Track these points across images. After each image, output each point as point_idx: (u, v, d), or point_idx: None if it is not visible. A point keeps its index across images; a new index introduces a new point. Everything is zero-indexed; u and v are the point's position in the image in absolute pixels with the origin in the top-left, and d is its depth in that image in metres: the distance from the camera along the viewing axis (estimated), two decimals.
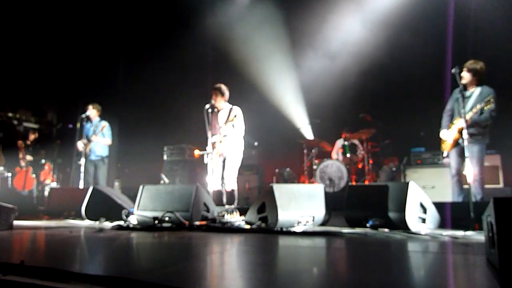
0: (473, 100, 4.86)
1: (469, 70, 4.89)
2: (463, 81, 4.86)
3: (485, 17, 7.37)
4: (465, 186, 5.00)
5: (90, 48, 10.07)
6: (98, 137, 7.17)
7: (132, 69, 10.25)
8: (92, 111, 7.35)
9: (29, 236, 3.80)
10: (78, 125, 7.14)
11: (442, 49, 6.99)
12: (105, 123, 7.23)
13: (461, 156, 4.95)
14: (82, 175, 6.92)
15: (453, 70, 4.29)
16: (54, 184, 9.12)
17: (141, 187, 4.62)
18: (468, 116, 4.63)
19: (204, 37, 10.18)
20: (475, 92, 4.91)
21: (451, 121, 5.14)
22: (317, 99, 9.16)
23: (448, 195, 5.51)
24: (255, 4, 9.65)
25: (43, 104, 11.46)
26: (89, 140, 7.17)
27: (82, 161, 7.00)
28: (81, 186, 6.83)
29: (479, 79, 4.91)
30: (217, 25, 9.92)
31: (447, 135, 5.10)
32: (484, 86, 4.89)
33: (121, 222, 4.42)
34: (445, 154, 5.28)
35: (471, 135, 4.64)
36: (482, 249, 2.41)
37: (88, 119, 7.38)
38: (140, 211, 4.41)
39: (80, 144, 7.15)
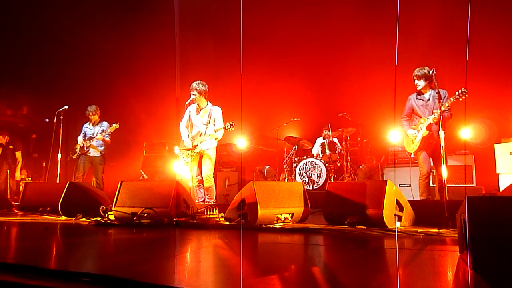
0: (432, 101, 5.07)
1: (420, 77, 5.08)
2: (419, 88, 5.14)
3: None
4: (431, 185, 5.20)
5: (65, 42, 9.84)
6: (103, 136, 7.06)
7: (111, 64, 10.06)
8: (94, 117, 7.24)
9: (3, 232, 3.71)
10: (55, 119, 7.04)
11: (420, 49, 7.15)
12: (115, 125, 7.05)
13: (431, 156, 5.17)
14: (58, 170, 6.80)
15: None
16: (27, 179, 8.92)
17: (119, 183, 4.55)
18: (437, 113, 4.74)
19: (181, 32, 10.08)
20: (431, 94, 5.10)
21: (410, 125, 5.32)
22: (298, 97, 9.21)
23: None
24: None
25: (20, 97, 11.14)
26: (90, 138, 7.09)
27: (80, 157, 7.09)
28: (58, 181, 6.73)
29: (430, 82, 5.06)
30: (194, 15, 9.82)
31: (415, 134, 5.19)
32: (436, 89, 4.76)
33: (99, 218, 4.36)
34: (412, 156, 5.40)
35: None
36: (455, 246, 2.48)
37: (88, 120, 7.32)
38: (118, 207, 4.35)
39: (80, 140, 7.11)
